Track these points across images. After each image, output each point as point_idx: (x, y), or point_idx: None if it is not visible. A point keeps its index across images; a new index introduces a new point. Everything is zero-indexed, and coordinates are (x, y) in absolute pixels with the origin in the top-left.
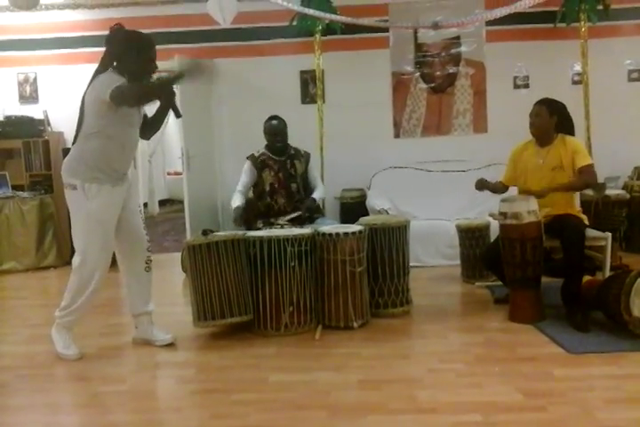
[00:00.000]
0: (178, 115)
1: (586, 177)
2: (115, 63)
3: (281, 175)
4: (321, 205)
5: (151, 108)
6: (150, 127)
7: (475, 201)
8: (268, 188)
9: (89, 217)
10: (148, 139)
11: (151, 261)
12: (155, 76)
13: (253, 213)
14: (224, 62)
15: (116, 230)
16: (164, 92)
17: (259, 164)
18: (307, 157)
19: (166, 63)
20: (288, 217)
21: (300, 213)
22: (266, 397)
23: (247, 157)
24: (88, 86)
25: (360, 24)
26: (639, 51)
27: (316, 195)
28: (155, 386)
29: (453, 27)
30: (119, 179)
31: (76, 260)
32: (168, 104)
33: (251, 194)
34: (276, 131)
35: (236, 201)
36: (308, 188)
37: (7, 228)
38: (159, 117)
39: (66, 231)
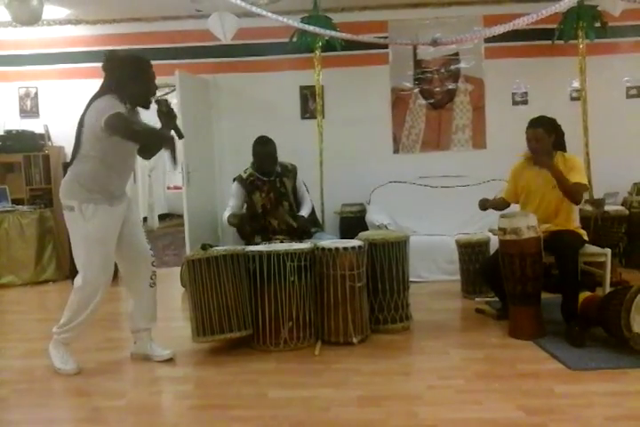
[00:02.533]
0: (180, 136)
1: (577, 189)
2: (114, 88)
3: (272, 195)
4: (316, 218)
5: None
6: (151, 148)
7: (474, 216)
8: (260, 209)
9: (87, 238)
10: (149, 159)
11: (156, 276)
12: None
13: (249, 226)
14: (225, 78)
15: (118, 247)
16: (154, 143)
17: (248, 185)
18: (294, 171)
19: (168, 78)
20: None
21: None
22: (265, 413)
23: (234, 179)
24: (85, 110)
25: (360, 40)
26: (637, 68)
27: (303, 212)
28: (153, 401)
29: (452, 43)
30: (116, 198)
31: (78, 280)
32: (170, 125)
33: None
34: (265, 155)
35: (227, 213)
36: (299, 202)
37: (6, 241)
38: None
39: (65, 246)
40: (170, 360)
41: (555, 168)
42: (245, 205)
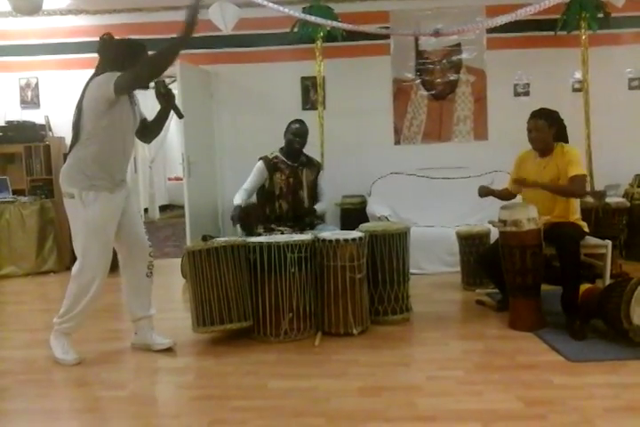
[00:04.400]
0: (180, 115)
1: (575, 185)
2: (109, 70)
3: (291, 181)
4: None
5: (151, 112)
6: (151, 130)
7: (475, 208)
8: (277, 191)
9: (87, 225)
10: (149, 142)
11: (153, 266)
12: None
13: (252, 217)
14: (226, 68)
15: (117, 236)
16: (183, 46)
17: (271, 166)
18: (318, 166)
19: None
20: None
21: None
22: (265, 403)
23: (260, 158)
24: (83, 92)
25: (361, 31)
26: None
27: (318, 207)
28: (154, 392)
29: (454, 34)
30: (117, 185)
31: (75, 267)
32: (169, 106)
33: (254, 198)
34: (299, 132)
35: (238, 199)
36: (315, 197)
37: (7, 232)
38: (160, 119)
39: (66, 236)
40: (170, 351)
41: (543, 185)
42: (266, 185)
